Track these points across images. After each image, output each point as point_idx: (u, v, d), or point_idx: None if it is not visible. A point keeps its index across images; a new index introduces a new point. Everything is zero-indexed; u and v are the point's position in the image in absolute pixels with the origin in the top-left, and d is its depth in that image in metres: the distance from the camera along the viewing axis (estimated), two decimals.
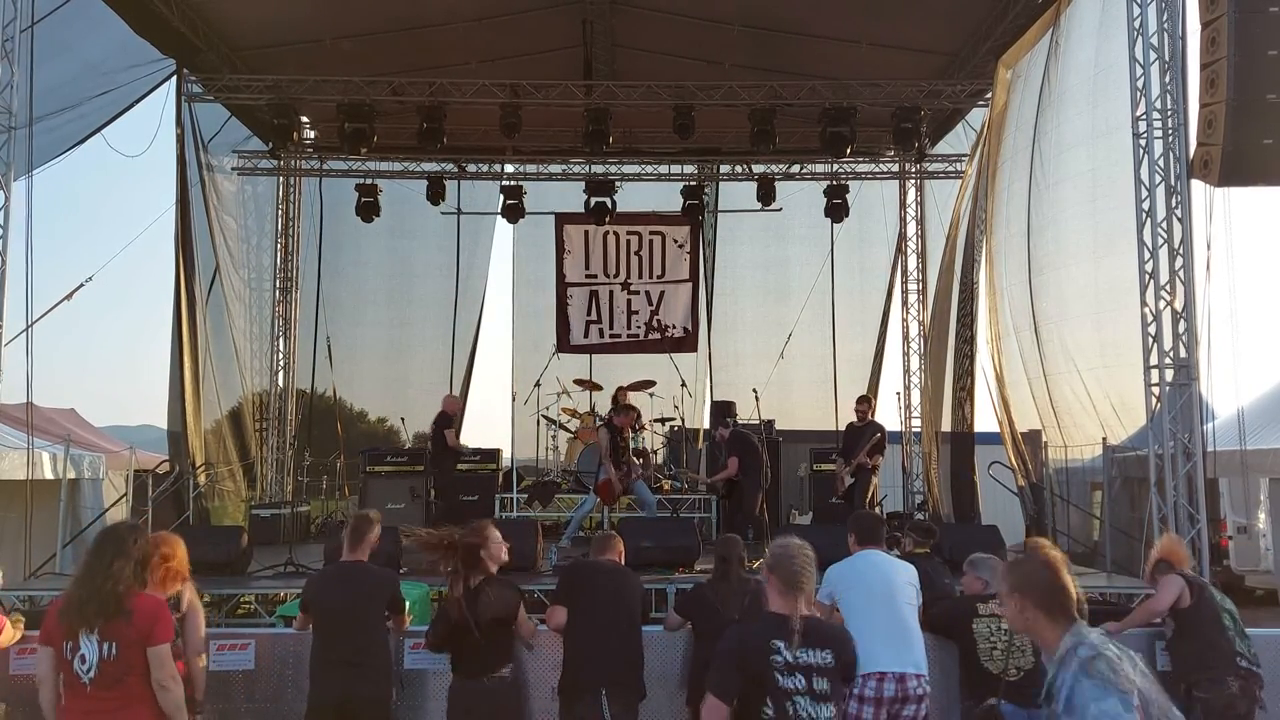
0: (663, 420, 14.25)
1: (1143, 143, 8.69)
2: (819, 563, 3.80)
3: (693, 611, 5.46)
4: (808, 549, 3.69)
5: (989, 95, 12.13)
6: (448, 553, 4.99)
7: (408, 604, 6.41)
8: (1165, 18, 8.54)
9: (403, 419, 15.33)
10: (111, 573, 3.81)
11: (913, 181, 15.83)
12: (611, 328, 15.88)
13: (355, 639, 4.96)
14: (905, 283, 15.95)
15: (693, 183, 15.59)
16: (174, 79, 12.14)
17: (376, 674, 4.95)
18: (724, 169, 15.94)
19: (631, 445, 12.98)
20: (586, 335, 15.86)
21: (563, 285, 15.90)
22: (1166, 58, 8.56)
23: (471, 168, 15.71)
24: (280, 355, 15.56)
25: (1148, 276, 8.59)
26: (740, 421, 13.26)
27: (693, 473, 13.12)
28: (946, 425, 13.09)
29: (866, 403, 11.54)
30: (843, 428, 15.44)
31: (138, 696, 3.79)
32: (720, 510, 11.78)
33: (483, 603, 4.89)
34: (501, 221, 15.95)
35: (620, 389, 13.12)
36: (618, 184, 15.41)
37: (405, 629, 5.46)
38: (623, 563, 5.62)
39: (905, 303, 15.94)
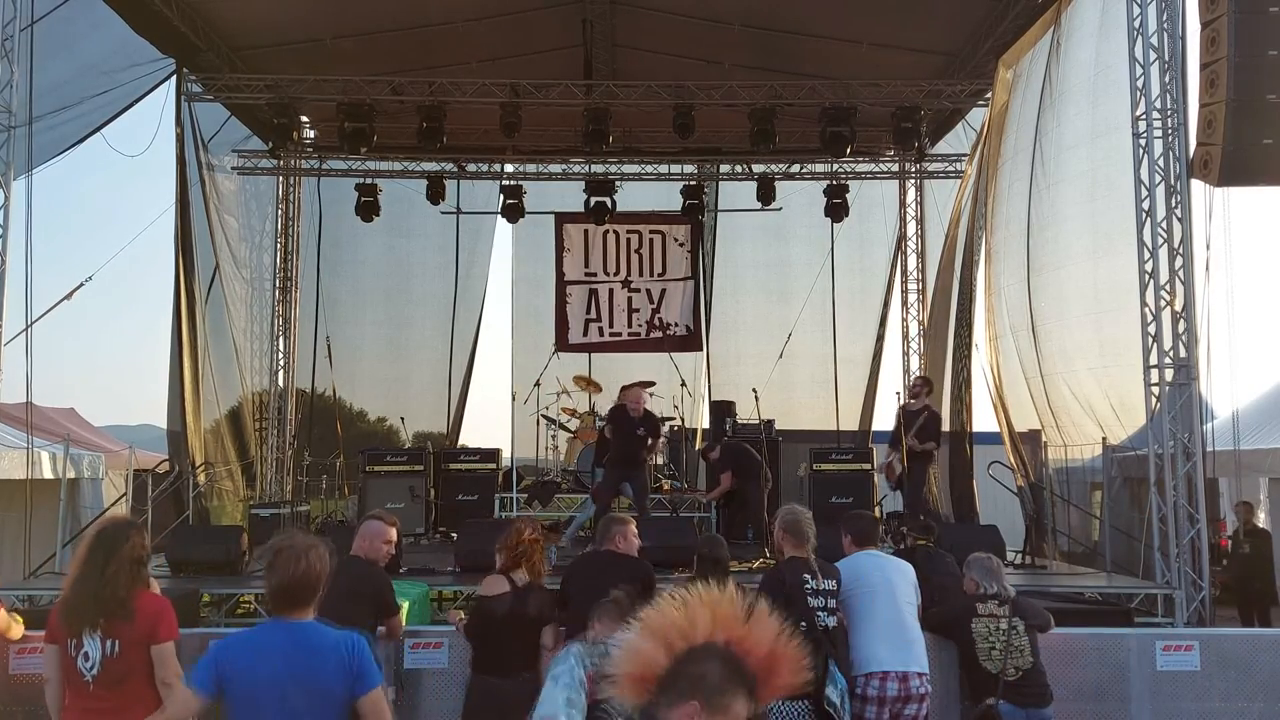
0: (663, 420, 14.23)
1: (1143, 143, 8.68)
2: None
3: None
4: (808, 512, 5.12)
5: (989, 95, 12.13)
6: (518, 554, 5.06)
7: (406, 604, 6.42)
8: (1165, 17, 8.54)
9: (402, 419, 15.32)
10: (111, 571, 3.81)
11: (913, 181, 15.84)
12: (612, 326, 15.83)
13: None
14: (905, 282, 15.96)
15: (693, 182, 15.58)
16: (174, 78, 12.12)
17: None
18: (724, 169, 15.93)
19: None
20: (586, 334, 15.81)
21: (562, 283, 15.84)
22: (1166, 57, 8.56)
23: (471, 167, 15.70)
24: (280, 355, 15.56)
25: (1147, 276, 8.59)
26: (740, 422, 13.25)
27: (689, 488, 13.00)
28: (945, 425, 13.07)
29: (922, 384, 10.89)
30: (843, 428, 15.58)
31: (140, 695, 3.80)
32: (720, 512, 11.77)
33: (531, 603, 5.01)
34: (501, 221, 15.95)
35: (623, 389, 13.10)
36: (618, 184, 15.38)
37: (398, 635, 5.31)
38: (630, 546, 5.45)
39: (905, 302, 15.95)
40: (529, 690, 5.03)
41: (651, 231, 15.92)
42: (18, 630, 5.24)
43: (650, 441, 10.12)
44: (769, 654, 1.75)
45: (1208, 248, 8.38)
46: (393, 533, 5.24)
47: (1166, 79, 8.56)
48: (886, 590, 5.04)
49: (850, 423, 15.84)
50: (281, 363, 15.60)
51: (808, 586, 4.81)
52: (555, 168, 15.93)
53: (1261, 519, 13.00)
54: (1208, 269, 8.42)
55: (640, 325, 15.82)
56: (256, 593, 8.72)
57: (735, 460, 10.80)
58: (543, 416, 13.94)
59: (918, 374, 12.87)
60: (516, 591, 5.01)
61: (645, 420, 10.01)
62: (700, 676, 1.74)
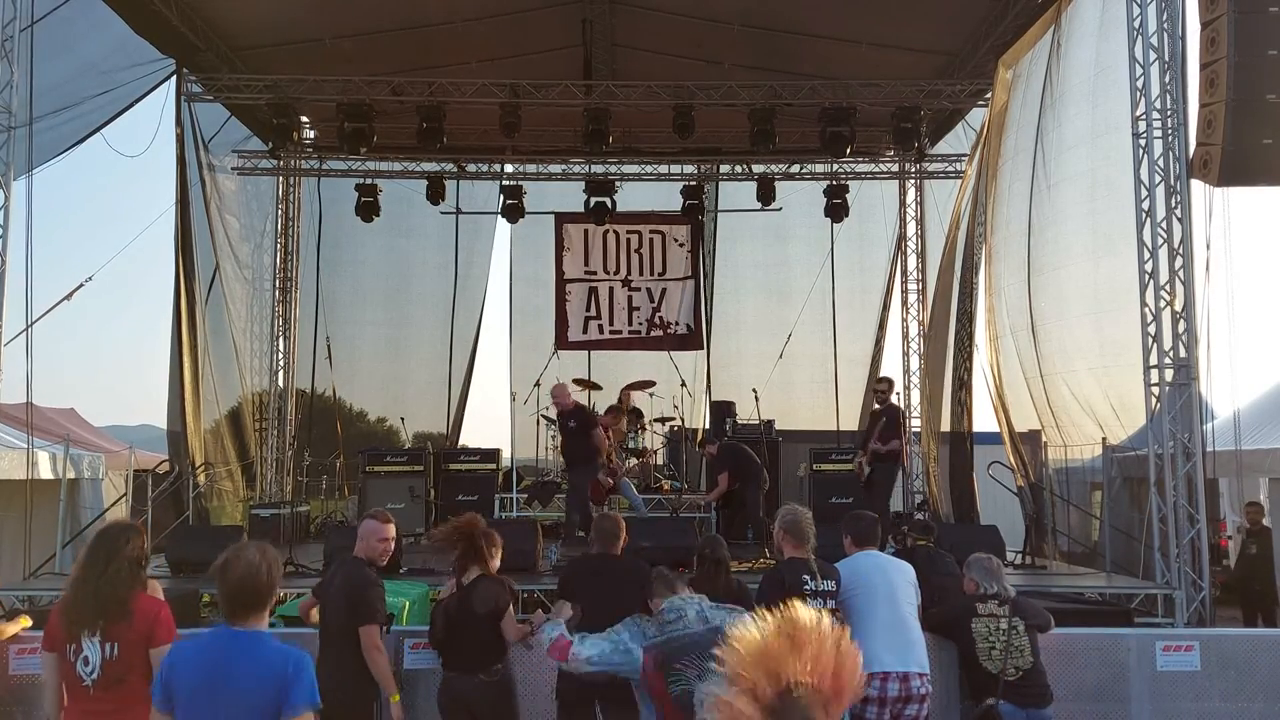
0: (663, 420, 14.24)
1: (1142, 143, 8.68)
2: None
3: None
4: (808, 513, 5.10)
5: (989, 95, 12.13)
6: (458, 540, 5.06)
7: (408, 603, 6.41)
8: (1165, 17, 8.55)
9: (402, 419, 15.32)
10: (109, 575, 3.82)
11: (912, 181, 15.84)
12: (612, 324, 15.81)
13: (326, 635, 4.96)
14: (905, 282, 15.96)
15: (693, 183, 15.58)
16: (174, 79, 12.13)
17: (344, 676, 4.74)
18: (724, 169, 15.93)
19: (630, 445, 12.99)
20: (585, 331, 15.77)
21: (561, 281, 15.83)
22: (1166, 58, 8.56)
23: (471, 167, 15.70)
24: (280, 355, 15.57)
25: (1147, 276, 8.59)
26: (740, 422, 13.25)
27: (688, 491, 12.96)
28: (946, 425, 13.09)
29: (885, 384, 11.15)
30: (842, 428, 15.57)
31: (139, 696, 3.80)
32: (719, 513, 11.76)
33: (476, 597, 4.96)
34: (501, 221, 15.95)
35: (624, 390, 13.11)
36: (618, 184, 15.39)
37: (369, 647, 4.82)
38: (622, 547, 5.50)
39: (905, 302, 15.95)
40: (492, 687, 4.97)
41: (652, 232, 15.91)
42: (12, 628, 5.26)
43: (590, 433, 10.02)
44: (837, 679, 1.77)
45: (1208, 248, 8.38)
46: (389, 530, 5.18)
47: (1166, 79, 8.56)
48: (887, 591, 5.03)
49: (850, 423, 15.83)
50: (281, 363, 15.60)
51: (807, 587, 4.82)
52: (555, 168, 15.93)
53: (1262, 519, 12.99)
54: (1208, 269, 8.42)
55: (641, 323, 15.80)
56: None
57: (734, 461, 10.80)
58: (542, 416, 13.94)
59: (882, 375, 12.99)
60: (462, 590, 5.01)
61: (575, 414, 9.99)
62: None
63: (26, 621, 5.34)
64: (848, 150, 13.01)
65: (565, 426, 9.92)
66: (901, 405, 13.81)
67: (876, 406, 10.90)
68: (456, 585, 5.05)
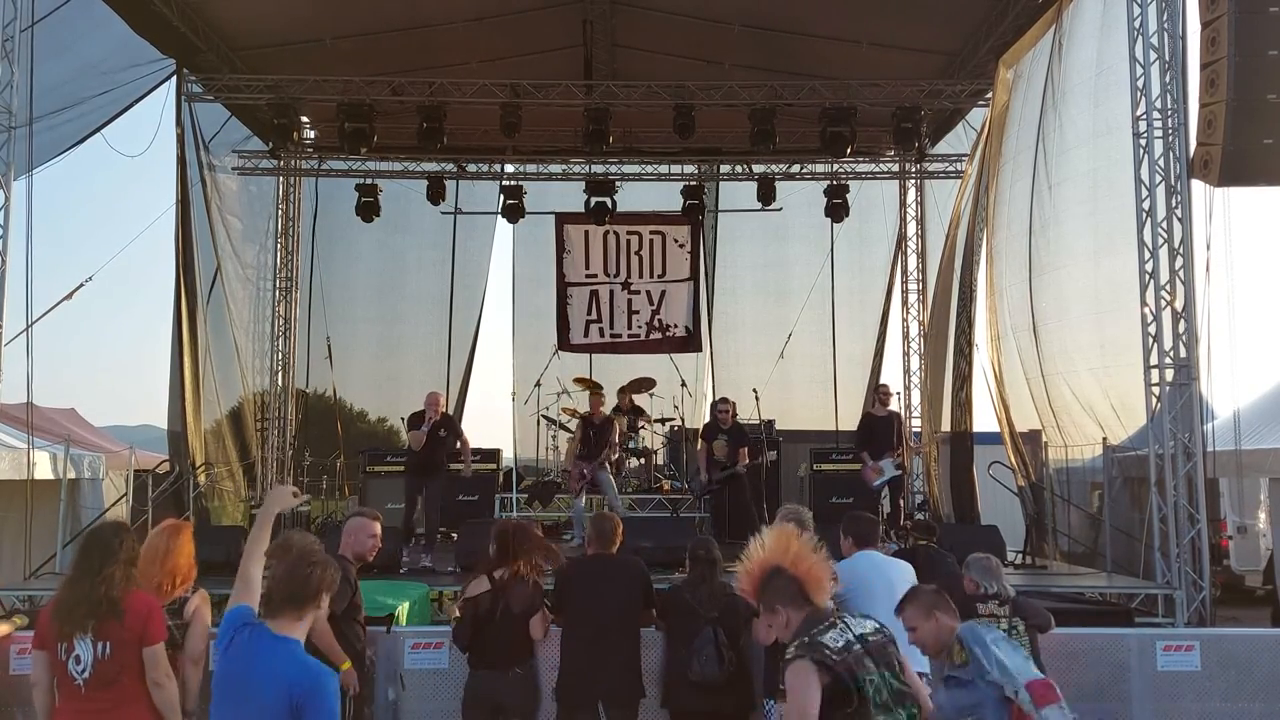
0: (663, 420, 14.23)
1: (1143, 143, 8.68)
2: None
3: (669, 614, 5.44)
4: (808, 512, 5.21)
5: (989, 95, 12.13)
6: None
7: (407, 604, 6.41)
8: (1165, 17, 8.54)
9: (403, 419, 15.27)
10: (102, 575, 3.83)
11: (913, 181, 15.83)
12: (612, 327, 15.83)
13: None
14: (905, 282, 15.96)
15: (693, 183, 15.57)
16: (174, 79, 12.13)
17: None
18: (724, 169, 15.92)
19: (631, 445, 12.98)
20: (587, 334, 15.81)
21: (562, 285, 15.86)
22: (1166, 57, 8.56)
23: (471, 168, 15.68)
24: (280, 355, 15.56)
25: (1148, 276, 8.59)
26: (740, 422, 13.23)
27: (688, 489, 12.92)
28: (946, 425, 13.08)
29: (887, 388, 11.41)
30: (842, 428, 15.54)
31: (132, 695, 3.81)
32: (716, 513, 11.71)
33: (512, 594, 5.06)
34: (501, 221, 15.95)
35: (621, 389, 13.11)
36: (618, 184, 15.38)
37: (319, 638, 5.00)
38: (618, 547, 5.55)
39: (905, 302, 15.95)
40: (519, 683, 5.09)
41: (652, 233, 15.92)
42: (5, 627, 5.27)
43: (458, 443, 9.91)
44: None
45: (1208, 248, 8.38)
46: (377, 527, 5.30)
47: (1167, 79, 8.56)
48: (886, 591, 5.01)
49: (850, 423, 15.72)
50: (282, 363, 15.60)
51: None
52: (555, 168, 15.92)
53: (1262, 519, 12.99)
54: (1208, 269, 8.42)
55: (640, 326, 15.82)
56: None
57: (747, 438, 10.98)
58: (543, 417, 13.96)
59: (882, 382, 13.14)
60: (496, 587, 5.07)
61: (444, 422, 9.86)
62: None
63: (21, 621, 5.35)
64: (848, 150, 13.01)
65: (435, 434, 9.76)
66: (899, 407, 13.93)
67: (884, 411, 11.01)
68: (490, 583, 5.12)
